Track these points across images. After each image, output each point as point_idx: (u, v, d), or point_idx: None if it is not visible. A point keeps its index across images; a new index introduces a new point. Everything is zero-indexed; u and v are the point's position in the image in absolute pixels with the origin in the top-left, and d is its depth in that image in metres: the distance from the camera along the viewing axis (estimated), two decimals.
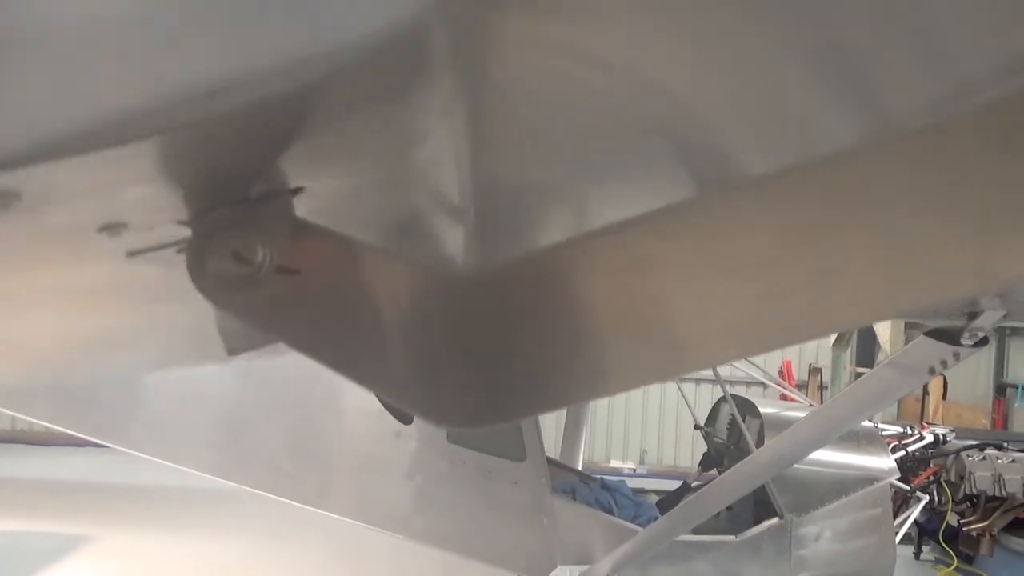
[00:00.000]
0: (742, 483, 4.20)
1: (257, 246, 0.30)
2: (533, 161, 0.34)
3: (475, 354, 0.31)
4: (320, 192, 0.33)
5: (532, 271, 0.30)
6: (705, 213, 0.28)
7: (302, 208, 0.33)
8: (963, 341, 2.69)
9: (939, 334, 2.74)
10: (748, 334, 0.28)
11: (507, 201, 0.34)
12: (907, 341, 5.95)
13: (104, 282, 0.44)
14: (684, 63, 0.30)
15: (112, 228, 0.33)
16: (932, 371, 2.85)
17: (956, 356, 2.75)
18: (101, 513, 8.92)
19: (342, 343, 0.31)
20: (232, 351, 0.36)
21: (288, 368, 4.66)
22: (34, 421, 5.29)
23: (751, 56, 0.29)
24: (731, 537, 4.95)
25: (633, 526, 4.86)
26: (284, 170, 0.31)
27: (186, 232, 0.34)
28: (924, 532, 8.69)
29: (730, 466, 5.02)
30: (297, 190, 0.32)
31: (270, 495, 5.14)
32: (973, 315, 2.59)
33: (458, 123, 0.33)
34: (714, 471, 6.23)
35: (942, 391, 12.00)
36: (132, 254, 0.37)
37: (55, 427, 4.92)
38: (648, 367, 0.30)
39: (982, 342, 2.73)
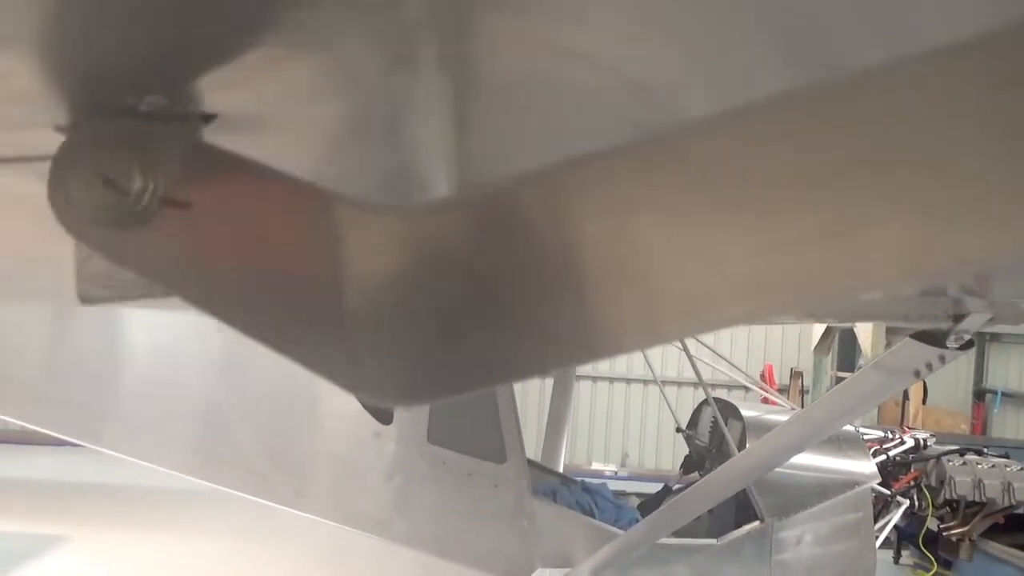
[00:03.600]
0: (724, 486, 4.18)
1: (135, 171, 0.25)
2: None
3: (417, 313, 0.26)
4: (243, 124, 0.28)
5: (477, 210, 0.25)
6: (702, 142, 0.23)
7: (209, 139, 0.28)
8: (948, 344, 2.67)
9: (924, 336, 2.71)
10: (755, 291, 0.24)
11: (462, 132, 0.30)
12: (888, 346, 5.95)
13: None
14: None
15: None
16: (917, 374, 2.82)
17: (941, 359, 2.73)
18: (74, 513, 8.80)
19: (245, 297, 0.26)
20: (86, 299, 0.30)
21: (265, 367, 4.60)
22: (8, 420, 5.20)
23: None
24: (712, 541, 4.93)
25: (614, 529, 4.82)
26: (196, 87, 0.26)
27: (56, 142, 0.28)
28: (904, 537, 8.72)
29: (712, 469, 4.99)
30: (209, 116, 0.26)
31: (247, 496, 5.07)
32: (959, 317, 2.57)
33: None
34: (695, 474, 6.22)
35: (922, 396, 12.06)
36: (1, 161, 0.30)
37: (29, 426, 4.84)
38: (639, 328, 0.26)
39: (967, 345, 2.71)
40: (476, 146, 0.31)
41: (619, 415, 13.31)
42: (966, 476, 6.98)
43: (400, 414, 4.76)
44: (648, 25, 0.27)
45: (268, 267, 0.26)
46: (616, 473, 11.48)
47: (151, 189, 0.25)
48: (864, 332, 10.20)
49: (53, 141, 0.30)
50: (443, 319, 0.27)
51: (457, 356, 0.27)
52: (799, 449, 3.93)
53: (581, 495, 5.32)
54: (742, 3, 0.26)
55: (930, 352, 2.72)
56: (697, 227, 0.25)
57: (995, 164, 0.24)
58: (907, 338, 2.76)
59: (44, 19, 0.22)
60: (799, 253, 0.25)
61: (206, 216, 0.26)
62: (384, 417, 4.82)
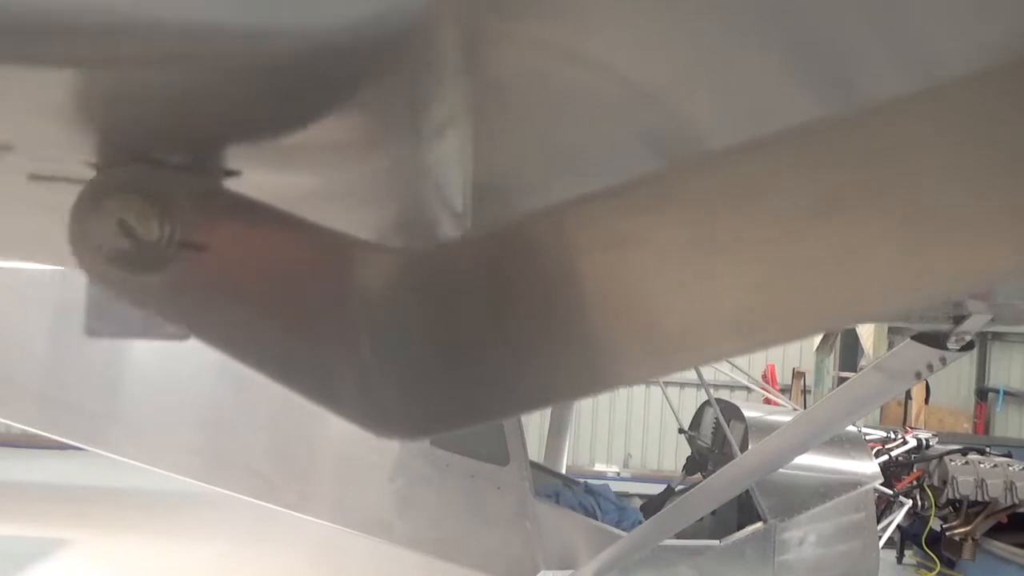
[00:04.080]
0: (727, 487, 4.18)
1: (154, 221, 0.26)
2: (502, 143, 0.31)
3: (426, 351, 0.27)
4: (262, 184, 0.29)
5: (497, 250, 0.26)
6: (693, 184, 0.24)
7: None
8: (949, 345, 2.68)
9: (925, 338, 2.72)
10: (745, 327, 0.25)
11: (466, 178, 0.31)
12: (890, 346, 5.95)
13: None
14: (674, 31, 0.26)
15: None
16: (919, 375, 2.83)
17: (943, 360, 2.73)
18: (78, 516, 8.80)
19: (261, 337, 0.27)
20: (93, 333, 0.31)
21: None
22: (11, 424, 5.21)
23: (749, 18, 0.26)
24: (715, 542, 4.94)
25: (617, 530, 4.83)
26: (223, 148, 0.27)
27: (89, 175, 0.29)
28: (907, 537, 8.71)
29: (714, 470, 5.00)
30: (232, 172, 0.27)
31: (250, 499, 5.08)
32: (959, 319, 2.58)
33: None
34: (698, 475, 6.22)
35: (924, 396, 12.05)
36: (35, 177, 0.31)
37: (33, 430, 4.85)
38: (638, 360, 0.26)
39: (968, 346, 2.72)
40: (489, 168, 0.32)
41: (621, 417, 13.32)
42: (969, 476, 6.97)
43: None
44: (659, 34, 0.28)
45: (282, 308, 0.27)
46: (619, 474, 11.48)
47: (168, 236, 0.26)
48: (866, 332, 10.20)
49: (79, 171, 0.31)
50: (452, 353, 0.28)
51: (465, 390, 0.29)
52: (801, 450, 3.94)
53: (584, 497, 5.33)
54: (749, 10, 0.27)
55: (931, 353, 2.73)
56: (689, 264, 0.26)
57: (976, 198, 0.25)
58: (908, 340, 2.77)
59: (99, 84, 0.24)
60: (791, 288, 0.27)
61: (220, 258, 0.27)
62: None
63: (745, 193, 0.25)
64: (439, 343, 0.27)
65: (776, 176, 0.25)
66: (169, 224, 0.25)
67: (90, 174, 0.30)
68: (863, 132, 0.24)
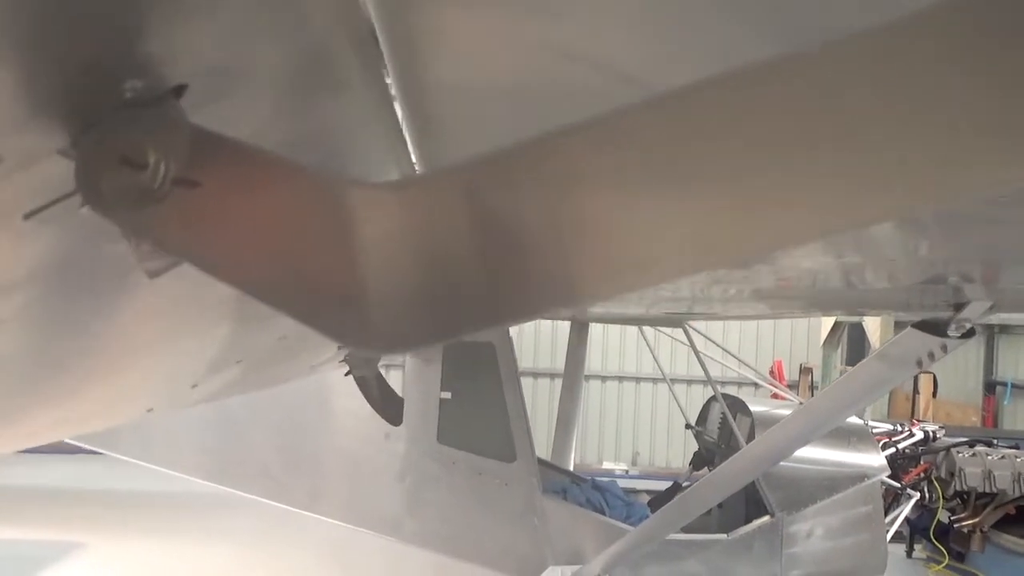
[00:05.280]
0: (733, 479, 4.20)
1: (146, 148, 0.28)
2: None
3: (402, 273, 0.30)
4: (208, 93, 0.32)
5: (459, 183, 0.28)
6: (645, 122, 0.27)
7: (187, 111, 0.31)
8: (950, 333, 2.70)
9: (927, 326, 2.74)
10: (699, 249, 0.27)
11: (431, 114, 0.33)
12: None
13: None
14: None
15: None
16: (920, 363, 2.85)
17: (944, 348, 2.75)
18: (92, 520, 8.86)
19: (254, 265, 0.29)
20: (153, 273, 0.33)
21: None
22: None
23: None
24: (722, 536, 4.95)
25: (624, 526, 4.85)
26: (160, 61, 0.29)
27: (71, 171, 0.32)
28: (915, 530, 8.71)
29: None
30: (179, 88, 0.30)
31: (261, 499, 5.12)
32: (960, 306, 2.60)
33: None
34: (705, 470, 6.23)
35: (932, 389, 12.03)
36: (29, 215, 0.34)
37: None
38: (594, 283, 0.29)
39: (968, 333, 2.74)
40: (460, 146, 0.34)
41: (628, 414, 13.32)
42: (976, 467, 6.97)
43: (410, 416, 4.80)
44: (634, 18, 0.31)
45: (272, 236, 0.31)
46: (627, 472, 11.50)
47: (163, 169, 0.29)
48: (873, 326, 10.19)
49: (60, 175, 0.33)
50: (432, 276, 0.31)
51: (446, 307, 0.32)
52: (806, 440, 3.95)
53: (591, 492, 5.35)
54: None
55: (932, 341, 2.75)
56: (646, 194, 0.30)
57: (905, 137, 0.28)
58: (909, 328, 2.79)
59: (40, 44, 0.26)
60: (748, 213, 0.30)
61: (214, 193, 0.30)
62: (394, 418, 4.86)
63: (694, 131, 0.29)
64: (422, 268, 0.31)
65: (723, 115, 0.28)
66: (164, 161, 0.28)
67: (67, 178, 0.33)
68: (805, 72, 0.27)
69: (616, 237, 0.30)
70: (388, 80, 0.33)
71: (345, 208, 0.31)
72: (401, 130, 0.35)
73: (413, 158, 0.35)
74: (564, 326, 7.96)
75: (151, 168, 0.29)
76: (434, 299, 0.31)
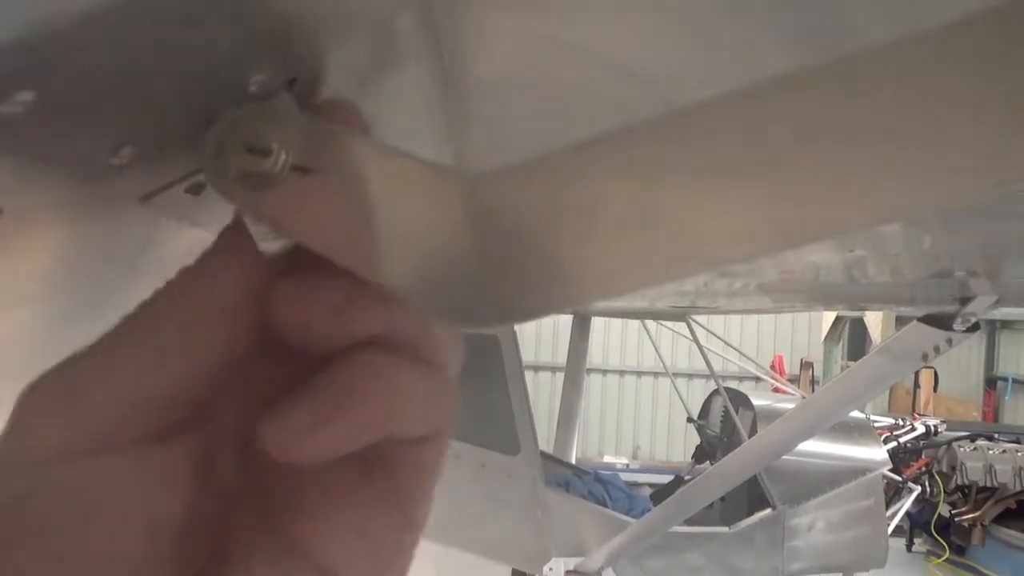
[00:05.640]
0: (735, 473, 4.22)
1: (270, 138, 0.30)
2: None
3: (488, 256, 0.31)
4: (318, 85, 0.33)
5: (534, 174, 0.30)
6: (695, 123, 0.28)
7: (300, 103, 0.32)
8: (955, 327, 2.71)
9: (932, 320, 2.75)
10: (757, 233, 0.28)
11: (503, 110, 0.34)
12: None
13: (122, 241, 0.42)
14: None
15: (122, 154, 0.32)
16: (925, 357, 2.86)
17: (949, 342, 2.76)
18: None
19: (364, 245, 0.31)
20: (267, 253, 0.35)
21: None
22: None
23: None
24: (724, 528, 4.97)
25: (627, 518, 4.87)
26: (280, 57, 0.31)
27: (192, 160, 0.34)
28: (916, 524, 8.74)
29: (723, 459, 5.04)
30: (291, 81, 0.31)
31: None
32: (965, 300, 2.60)
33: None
34: (707, 464, 6.26)
35: (933, 384, 12.06)
36: (146, 198, 0.36)
37: None
38: (659, 266, 0.30)
39: (974, 327, 2.74)
40: (472, 141, 0.35)
41: (630, 408, 13.36)
42: (977, 462, 7.00)
43: None
44: (646, 13, 0.31)
45: (379, 219, 0.32)
46: (628, 465, 11.53)
47: (283, 157, 0.31)
48: (874, 321, 10.22)
49: (177, 164, 0.35)
50: (506, 261, 0.33)
51: (519, 289, 0.34)
52: (809, 434, 3.97)
53: (594, 485, 5.37)
54: None
55: (937, 335, 2.75)
56: (698, 183, 0.31)
57: (946, 131, 0.29)
58: (914, 321, 2.80)
59: (172, 44, 0.28)
60: (796, 201, 0.31)
61: (324, 178, 0.32)
62: None
63: (740, 130, 0.30)
64: (521, 250, 0.32)
65: (765, 117, 0.30)
66: (284, 149, 0.31)
67: (185, 163, 0.35)
68: (851, 74, 0.28)
69: (675, 224, 0.31)
70: (437, 71, 0.34)
71: (447, 191, 0.33)
72: (442, 123, 0.35)
73: (449, 152, 0.36)
74: (565, 320, 7.98)
75: (273, 155, 0.31)
76: (533, 278, 0.33)
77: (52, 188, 0.33)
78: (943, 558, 8.39)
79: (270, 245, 0.34)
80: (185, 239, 0.41)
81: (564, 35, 0.33)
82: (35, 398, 0.31)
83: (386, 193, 0.32)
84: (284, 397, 0.32)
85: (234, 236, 0.34)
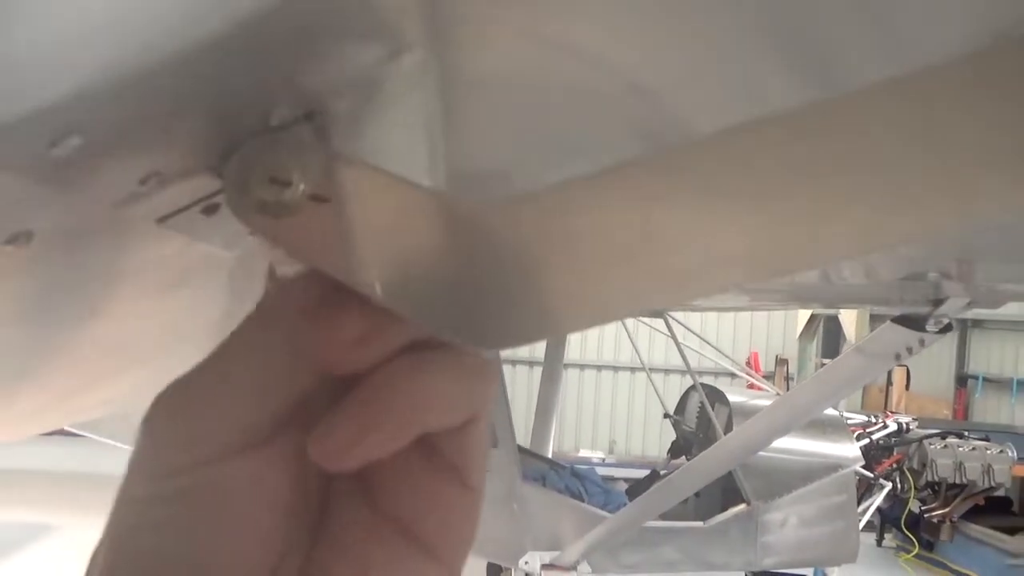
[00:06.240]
0: (711, 469, 4.25)
1: (291, 168, 0.31)
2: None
3: (495, 282, 0.32)
4: (331, 118, 0.34)
5: (525, 205, 0.31)
6: (696, 156, 0.29)
7: (319, 135, 0.33)
8: (928, 327, 2.75)
9: (905, 320, 2.79)
10: (746, 261, 0.30)
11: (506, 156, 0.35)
12: None
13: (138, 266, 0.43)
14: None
15: (149, 184, 0.33)
16: (898, 357, 2.90)
17: (921, 342, 2.80)
18: (62, 502, 8.80)
19: (375, 271, 0.32)
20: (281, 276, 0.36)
21: None
22: None
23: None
24: (699, 523, 5.01)
25: (603, 512, 4.90)
26: (298, 92, 0.31)
27: (210, 183, 0.35)
28: (886, 520, 8.85)
29: (698, 454, 5.07)
30: (311, 114, 0.32)
31: None
32: (938, 302, 2.64)
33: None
34: (683, 459, 6.30)
35: (905, 382, 12.21)
36: (163, 219, 0.37)
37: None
38: (652, 294, 0.31)
39: (946, 328, 2.78)
40: (466, 146, 0.36)
41: (606, 403, 13.42)
42: (947, 459, 7.09)
43: None
44: (650, 26, 0.33)
45: (392, 246, 0.34)
46: (603, 460, 11.58)
47: (302, 187, 0.33)
48: (848, 320, 10.32)
49: (199, 186, 0.36)
50: (511, 287, 0.35)
51: (548, 309, 0.36)
52: (784, 431, 4.01)
53: (570, 480, 5.40)
54: (745, 9, 0.31)
55: (910, 336, 2.79)
56: (698, 212, 0.33)
57: (924, 169, 0.31)
58: (888, 322, 2.83)
59: (201, 74, 0.29)
60: (783, 232, 0.33)
61: (340, 207, 0.34)
62: None
63: (738, 162, 0.31)
64: (523, 277, 0.34)
65: (762, 150, 0.31)
66: (303, 175, 0.32)
67: (207, 184, 0.36)
68: (843, 111, 0.30)
69: (675, 250, 0.32)
70: (425, 71, 0.35)
71: (458, 221, 0.34)
72: (439, 151, 0.36)
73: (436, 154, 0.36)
74: None
75: (293, 185, 0.33)
76: (533, 306, 0.35)
77: (80, 214, 0.34)
78: (912, 553, 8.51)
79: (285, 268, 0.35)
80: (195, 253, 0.42)
81: (561, 72, 0.35)
82: (169, 410, 0.39)
83: (394, 220, 0.33)
84: (326, 415, 0.37)
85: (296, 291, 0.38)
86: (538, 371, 7.61)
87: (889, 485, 6.40)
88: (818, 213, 0.31)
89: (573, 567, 4.74)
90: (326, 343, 0.36)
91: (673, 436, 6.94)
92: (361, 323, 0.36)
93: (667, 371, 11.68)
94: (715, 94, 0.33)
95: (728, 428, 5.22)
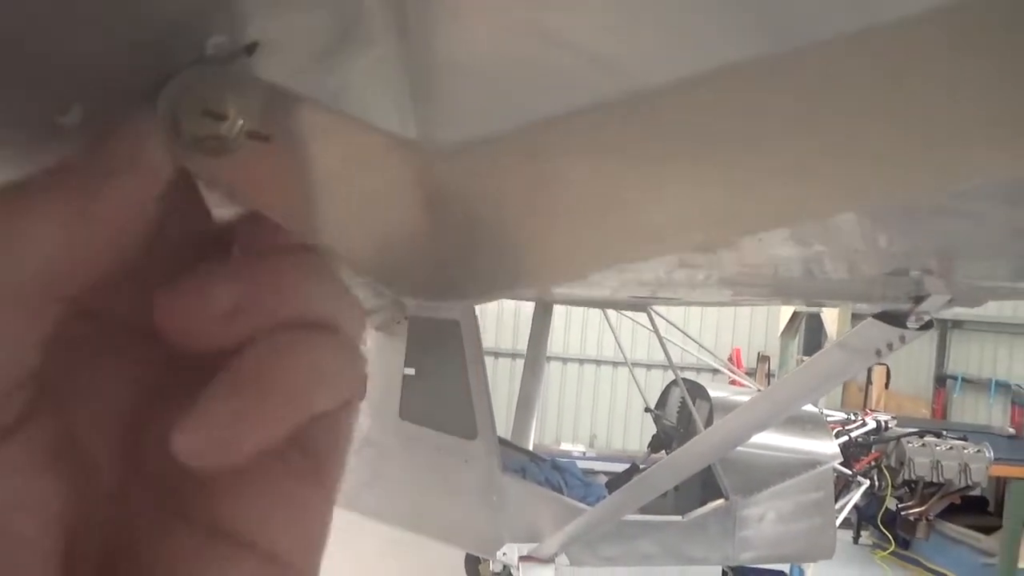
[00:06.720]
0: (690, 462, 4.26)
1: (227, 102, 0.29)
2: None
3: (446, 229, 0.30)
4: (279, 52, 0.32)
5: (495, 152, 0.29)
6: (677, 103, 0.28)
7: (261, 68, 0.31)
8: (909, 324, 2.76)
9: (887, 317, 2.80)
10: (718, 218, 0.29)
11: (467, 88, 0.33)
12: None
13: None
14: None
15: (72, 113, 0.31)
16: (879, 353, 2.91)
17: (902, 339, 2.81)
18: None
19: (314, 212, 0.30)
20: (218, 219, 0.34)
21: None
22: None
23: None
24: (677, 517, 5.03)
25: (582, 505, 4.90)
26: (238, 20, 0.29)
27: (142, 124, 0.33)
28: (863, 517, 8.91)
29: (678, 449, 5.09)
30: (252, 46, 0.30)
31: None
32: (919, 299, 2.65)
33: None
34: (663, 453, 6.32)
35: (885, 381, 12.29)
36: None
37: None
38: (621, 248, 0.30)
39: (927, 325, 2.80)
40: (434, 117, 0.35)
41: (588, 396, 13.44)
42: (925, 457, 7.13)
43: (373, 391, 4.79)
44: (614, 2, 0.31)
45: (337, 189, 0.32)
46: (584, 453, 11.59)
47: (240, 123, 0.30)
48: (830, 317, 10.37)
49: None
50: (463, 236, 0.32)
51: (502, 263, 0.33)
52: (764, 426, 4.02)
53: (550, 472, 5.40)
54: None
55: (891, 332, 2.80)
56: (661, 168, 0.31)
57: (901, 130, 0.30)
58: (869, 318, 2.84)
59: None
60: (755, 189, 0.31)
61: (282, 146, 0.31)
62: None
63: (718, 112, 0.30)
64: (457, 227, 0.32)
65: (743, 100, 0.29)
66: (240, 110, 0.29)
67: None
68: (798, 69, 0.28)
69: (638, 206, 0.31)
70: (402, 47, 0.33)
71: (408, 165, 0.32)
72: (405, 97, 0.34)
73: (412, 127, 0.35)
74: (526, 307, 7.97)
75: (229, 120, 0.30)
76: (499, 256, 0.32)
77: (1, 149, 0.32)
78: (888, 551, 8.57)
79: (222, 212, 0.33)
80: None
81: (531, 17, 0.33)
82: None
83: (344, 164, 0.31)
84: (188, 405, 0.29)
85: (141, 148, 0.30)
86: (520, 363, 7.60)
87: (867, 483, 6.43)
88: (781, 172, 0.30)
89: (551, 559, 4.75)
90: (191, 312, 0.30)
91: (654, 430, 6.96)
92: (235, 291, 0.30)
93: (649, 366, 11.70)
94: (673, 51, 0.31)
95: (709, 423, 5.23)
